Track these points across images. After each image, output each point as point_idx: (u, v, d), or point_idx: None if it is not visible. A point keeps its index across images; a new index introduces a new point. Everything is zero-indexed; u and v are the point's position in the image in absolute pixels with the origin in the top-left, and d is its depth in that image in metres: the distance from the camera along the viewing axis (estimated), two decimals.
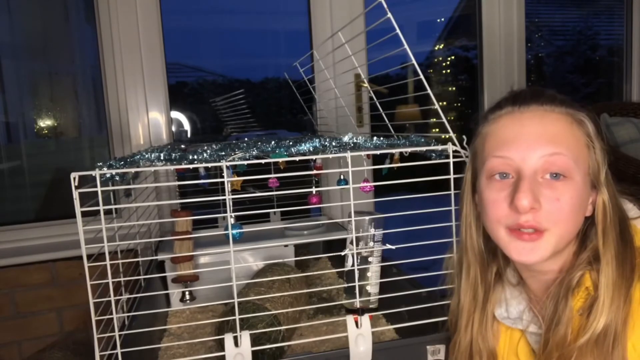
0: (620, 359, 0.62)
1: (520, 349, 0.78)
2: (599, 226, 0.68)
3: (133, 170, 0.87)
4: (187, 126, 2.16)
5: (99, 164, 0.83)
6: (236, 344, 0.85)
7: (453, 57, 2.79)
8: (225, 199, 0.85)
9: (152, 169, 0.88)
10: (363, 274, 1.07)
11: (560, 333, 0.66)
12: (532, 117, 0.69)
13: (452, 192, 0.91)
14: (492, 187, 0.70)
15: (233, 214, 0.87)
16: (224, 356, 0.85)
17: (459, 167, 0.90)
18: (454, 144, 0.94)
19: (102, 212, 0.82)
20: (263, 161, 0.89)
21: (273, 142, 1.02)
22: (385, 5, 0.95)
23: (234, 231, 0.87)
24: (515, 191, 0.66)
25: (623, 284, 0.64)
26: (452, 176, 0.92)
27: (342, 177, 1.07)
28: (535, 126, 0.68)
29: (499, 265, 0.80)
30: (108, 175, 0.82)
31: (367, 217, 1.06)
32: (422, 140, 1.00)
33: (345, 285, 1.13)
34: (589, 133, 0.69)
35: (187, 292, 1.34)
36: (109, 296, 0.86)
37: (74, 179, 0.78)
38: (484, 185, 0.72)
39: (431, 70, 2.86)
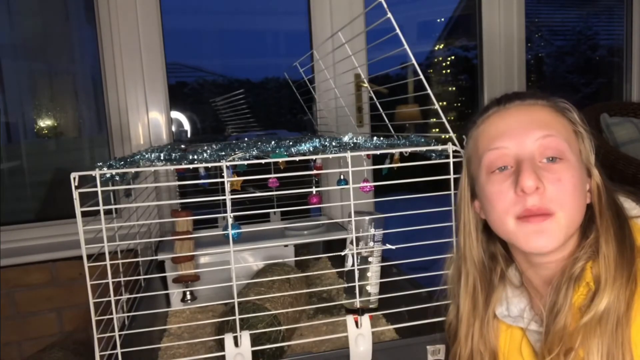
0: (625, 340, 0.62)
1: (524, 347, 0.78)
2: (596, 208, 0.70)
3: (133, 170, 0.87)
4: (187, 126, 2.16)
5: (99, 164, 0.83)
6: (236, 344, 0.85)
7: (453, 57, 2.79)
8: (225, 199, 0.85)
9: (152, 169, 0.88)
10: (363, 274, 1.07)
11: (560, 324, 0.66)
12: (519, 110, 0.72)
13: (452, 192, 0.91)
14: (494, 181, 0.70)
15: (232, 214, 0.87)
16: (224, 356, 0.85)
17: (459, 167, 0.90)
18: (454, 144, 0.94)
19: (102, 212, 0.82)
20: (263, 161, 0.89)
21: (273, 142, 1.02)
22: (385, 5, 0.95)
23: (232, 231, 0.87)
24: (518, 175, 0.67)
25: (624, 264, 0.64)
26: (452, 176, 0.92)
27: (342, 177, 1.07)
28: (524, 116, 0.71)
29: (501, 267, 0.80)
30: (108, 175, 0.82)
31: (367, 217, 1.06)
32: (422, 140, 1.00)
33: (345, 285, 1.13)
34: (575, 120, 0.72)
35: (188, 292, 1.34)
36: (109, 296, 0.86)
37: (74, 179, 0.78)
38: (484, 183, 0.72)
39: (431, 70, 2.86)
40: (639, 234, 0.69)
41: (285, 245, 1.44)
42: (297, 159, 0.90)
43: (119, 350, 0.86)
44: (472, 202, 0.79)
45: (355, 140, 1.01)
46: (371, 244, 1.07)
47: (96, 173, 0.81)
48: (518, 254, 0.76)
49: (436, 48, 2.90)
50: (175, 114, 2.05)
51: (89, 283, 0.83)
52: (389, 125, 1.27)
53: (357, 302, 0.94)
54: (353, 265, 0.96)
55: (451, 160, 0.93)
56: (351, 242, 0.96)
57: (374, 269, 1.08)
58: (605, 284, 0.63)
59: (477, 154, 0.75)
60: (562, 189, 0.66)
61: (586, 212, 0.71)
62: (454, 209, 0.92)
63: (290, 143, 0.97)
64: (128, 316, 1.03)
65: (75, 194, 0.79)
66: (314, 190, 1.09)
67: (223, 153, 0.90)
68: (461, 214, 0.81)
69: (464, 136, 0.89)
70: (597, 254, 0.67)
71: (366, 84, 1.52)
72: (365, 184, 0.95)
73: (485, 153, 0.72)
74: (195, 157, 0.87)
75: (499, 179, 0.70)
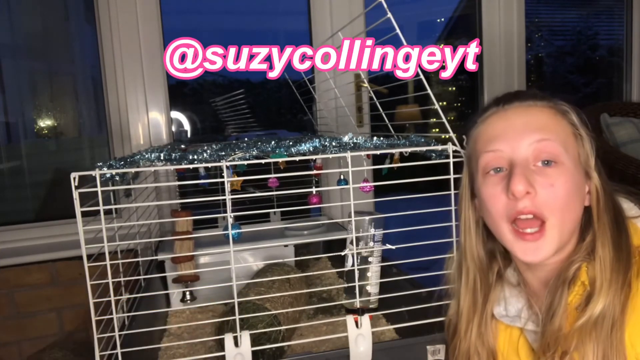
0: (620, 344, 0.62)
1: (520, 347, 0.78)
2: (594, 211, 0.70)
3: (133, 170, 0.87)
4: (187, 126, 2.15)
5: (99, 164, 0.83)
6: (236, 344, 0.85)
7: None
8: (225, 199, 0.85)
9: (152, 169, 0.88)
10: (363, 274, 1.07)
11: (555, 325, 0.67)
12: (517, 112, 0.72)
13: (452, 192, 0.91)
14: (489, 183, 0.72)
15: (232, 214, 0.87)
16: (224, 356, 0.85)
17: (459, 167, 0.90)
18: (454, 144, 0.94)
19: (102, 212, 0.82)
20: (263, 161, 0.89)
21: (273, 142, 1.01)
22: (385, 5, 0.95)
23: (232, 231, 0.87)
24: (510, 179, 0.68)
25: (620, 268, 0.65)
26: (452, 176, 0.92)
27: (342, 177, 1.07)
28: (520, 118, 0.71)
29: (499, 265, 0.81)
30: (108, 175, 0.82)
31: (367, 217, 1.06)
32: (422, 140, 1.00)
33: (345, 285, 1.13)
34: (574, 122, 0.72)
35: (187, 292, 1.34)
36: (109, 296, 0.86)
37: (74, 179, 0.78)
38: (480, 183, 0.74)
39: None
40: (637, 234, 0.69)
41: (285, 245, 1.44)
42: (297, 159, 0.90)
43: (119, 350, 0.86)
44: (472, 199, 0.80)
45: (355, 140, 1.01)
46: (371, 244, 1.07)
47: (96, 173, 0.81)
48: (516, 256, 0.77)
49: None
50: (175, 114, 2.05)
51: (88, 283, 0.83)
52: (389, 125, 1.27)
53: (357, 302, 0.94)
54: (353, 265, 0.96)
55: (451, 160, 0.93)
56: (351, 242, 0.96)
57: (374, 269, 1.08)
58: (601, 287, 0.64)
59: (475, 154, 0.76)
60: (554, 194, 0.67)
61: (585, 214, 0.72)
62: (454, 209, 0.92)
63: (290, 143, 0.97)
64: (128, 316, 1.03)
65: (75, 194, 0.79)
66: (314, 190, 1.09)
67: (223, 153, 0.90)
68: (462, 211, 0.82)
69: (464, 136, 0.89)
70: (593, 256, 0.67)
71: (366, 84, 1.52)
72: (365, 184, 0.95)
73: (481, 154, 0.73)
74: (195, 157, 0.87)
75: (493, 182, 0.71)
